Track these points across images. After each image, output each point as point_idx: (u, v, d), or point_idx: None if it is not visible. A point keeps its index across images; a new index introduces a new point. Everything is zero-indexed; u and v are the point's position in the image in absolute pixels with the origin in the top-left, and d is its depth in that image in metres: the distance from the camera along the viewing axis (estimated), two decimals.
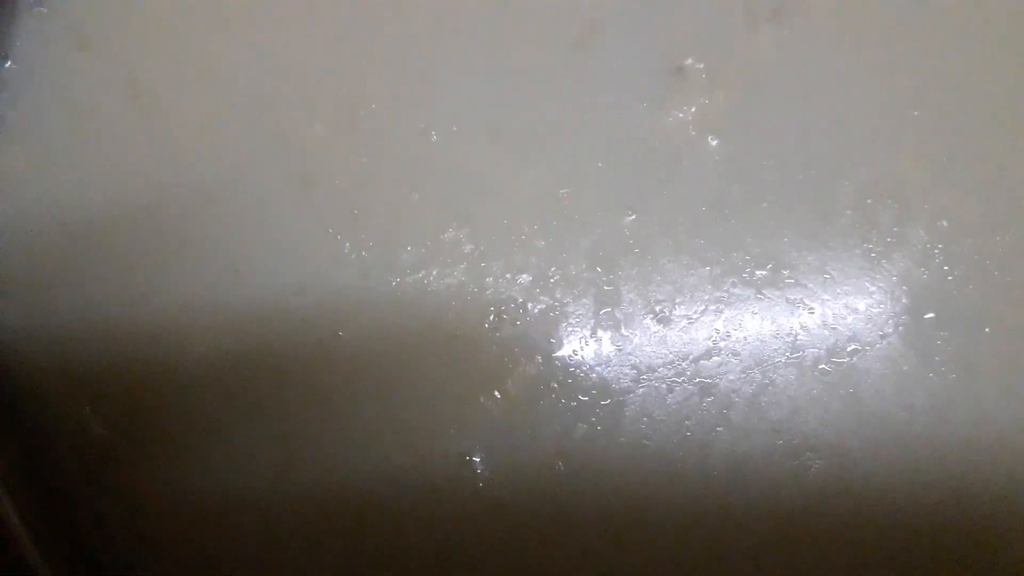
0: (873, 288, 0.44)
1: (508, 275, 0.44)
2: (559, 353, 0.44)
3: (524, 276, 0.44)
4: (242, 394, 0.44)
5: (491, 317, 0.44)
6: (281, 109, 0.45)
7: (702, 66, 0.45)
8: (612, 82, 0.45)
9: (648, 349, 0.44)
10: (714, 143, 0.45)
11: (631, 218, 0.44)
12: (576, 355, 0.44)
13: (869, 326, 0.44)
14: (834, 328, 0.44)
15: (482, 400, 0.43)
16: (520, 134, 0.45)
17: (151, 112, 0.45)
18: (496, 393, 0.43)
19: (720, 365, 0.44)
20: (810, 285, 0.44)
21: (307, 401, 0.44)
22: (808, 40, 0.45)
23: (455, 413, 0.43)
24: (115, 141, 0.45)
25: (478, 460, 0.43)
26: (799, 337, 0.44)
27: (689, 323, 0.44)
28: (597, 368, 0.44)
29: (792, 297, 0.44)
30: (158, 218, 0.45)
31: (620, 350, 0.44)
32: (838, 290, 0.44)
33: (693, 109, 0.45)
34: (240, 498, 0.43)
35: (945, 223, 0.44)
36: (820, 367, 0.43)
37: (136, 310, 0.44)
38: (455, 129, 0.44)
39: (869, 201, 0.44)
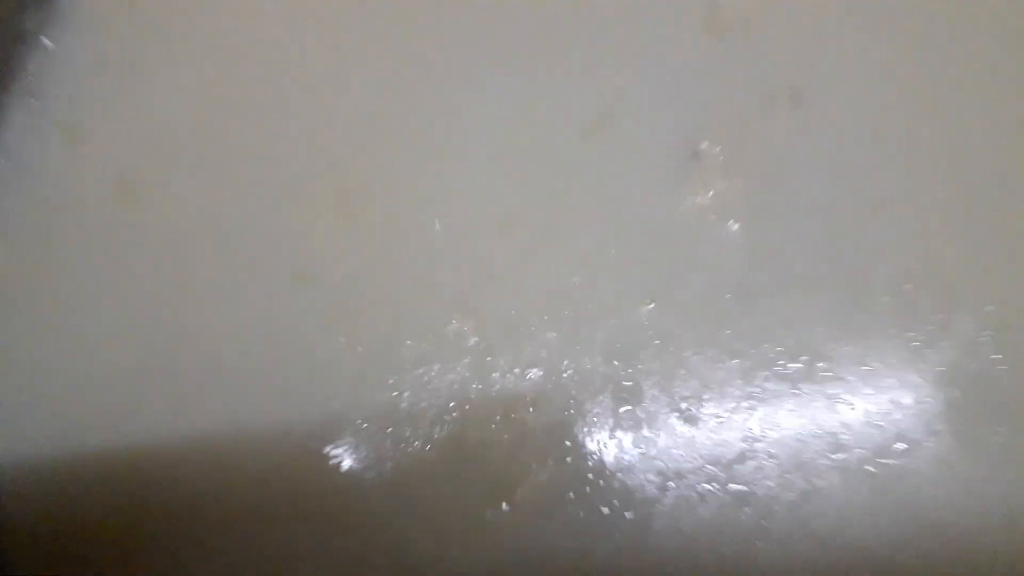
0: (918, 380, 0.40)
1: (516, 370, 0.40)
2: (575, 458, 0.40)
3: (534, 371, 0.40)
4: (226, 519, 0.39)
5: (497, 417, 0.40)
6: (277, 201, 0.42)
7: (719, 149, 0.43)
8: (625, 168, 0.43)
9: (675, 452, 0.40)
10: (735, 228, 0.42)
11: (650, 307, 0.41)
12: (594, 460, 0.40)
13: (917, 422, 0.39)
14: (879, 425, 0.39)
15: (488, 514, 0.38)
16: (529, 222, 0.42)
17: (143, 208, 0.43)
18: (504, 505, 0.39)
19: (756, 469, 0.39)
20: (849, 378, 0.40)
21: (293, 524, 0.39)
22: (827, 120, 0.43)
23: (458, 531, 0.38)
24: (105, 238, 0.42)
25: None
26: (841, 436, 0.40)
27: (719, 422, 0.40)
28: (619, 475, 0.39)
29: (831, 392, 0.40)
30: (146, 319, 0.42)
31: (644, 454, 0.40)
32: (880, 383, 0.40)
33: (711, 193, 0.43)
34: None
35: (991, 307, 0.40)
36: (866, 468, 0.39)
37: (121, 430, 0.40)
38: (460, 218, 0.42)
39: (907, 286, 0.41)
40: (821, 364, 0.40)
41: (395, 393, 0.40)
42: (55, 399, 0.40)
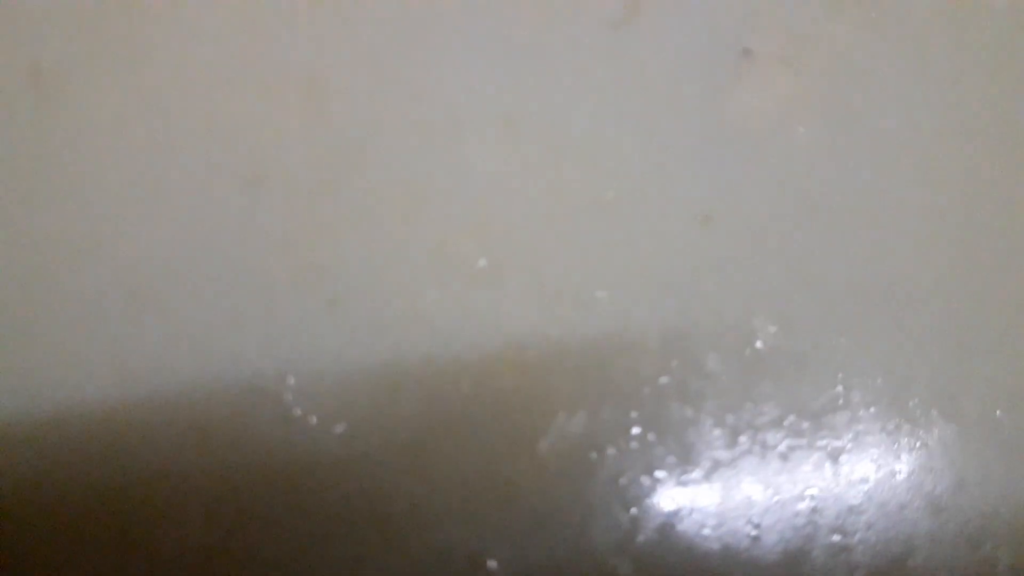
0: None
1: (538, 301, 0.31)
2: (612, 406, 0.30)
3: (560, 303, 0.31)
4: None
5: (515, 358, 0.31)
6: (230, 90, 0.33)
7: (773, 46, 0.35)
8: (663, 64, 0.35)
9: (737, 397, 0.31)
10: (801, 132, 0.34)
11: (702, 226, 0.32)
12: (637, 409, 0.30)
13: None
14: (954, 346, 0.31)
15: (507, 470, 0.29)
16: (541, 123, 0.33)
17: (60, 102, 0.34)
18: (527, 460, 0.29)
19: (848, 419, 0.30)
20: (935, 297, 0.31)
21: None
22: (895, 16, 0.35)
23: (474, 488, 0.29)
24: (17, 140, 0.33)
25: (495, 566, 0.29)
26: (924, 359, 0.31)
27: (791, 360, 0.31)
28: (669, 428, 0.30)
29: (919, 313, 0.31)
30: (69, 235, 0.32)
31: (699, 398, 0.31)
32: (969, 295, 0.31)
33: (768, 95, 0.35)
34: None
35: None
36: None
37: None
38: (466, 118, 0.33)
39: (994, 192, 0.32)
40: (923, 299, 0.32)
41: (375, 329, 0.31)
42: None
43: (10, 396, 0.30)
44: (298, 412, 0.30)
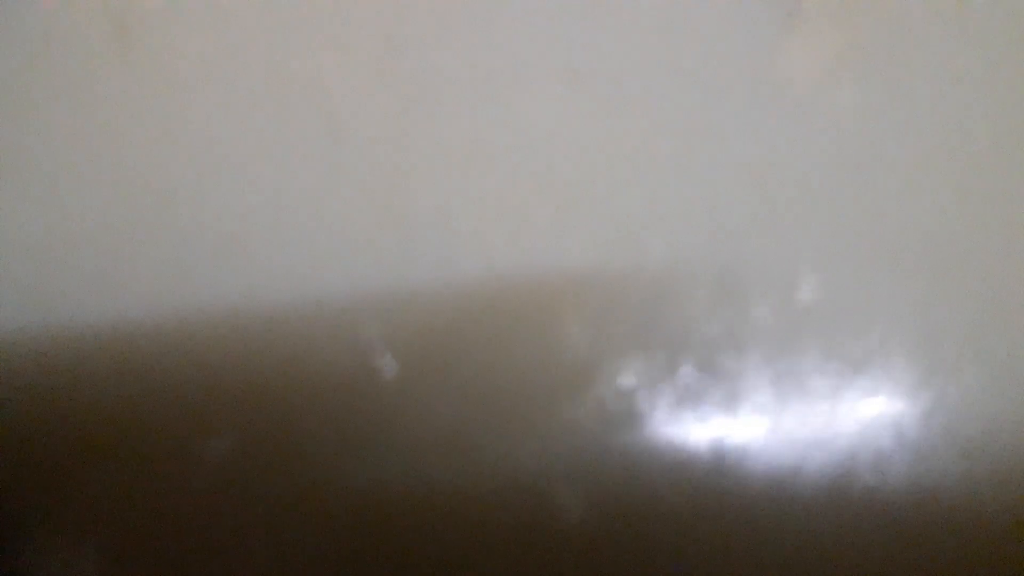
0: None
1: (594, 246, 0.33)
2: (664, 356, 0.32)
3: (616, 250, 0.33)
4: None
5: (571, 301, 0.33)
6: (305, 48, 0.35)
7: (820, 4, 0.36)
8: (704, 23, 0.36)
9: (785, 348, 0.33)
10: (846, 92, 0.35)
11: (748, 185, 0.34)
12: (690, 361, 0.32)
13: None
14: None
15: (556, 415, 0.31)
16: (592, 79, 0.35)
17: (143, 53, 0.35)
18: (575, 407, 0.32)
19: (883, 368, 0.32)
20: (979, 252, 0.33)
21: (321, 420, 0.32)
22: None
23: (518, 432, 0.31)
24: (98, 87, 0.35)
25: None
26: (977, 317, 0.32)
27: (838, 316, 0.33)
28: (718, 379, 0.32)
29: (963, 271, 0.33)
30: (145, 193, 0.34)
31: (750, 351, 0.33)
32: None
33: (815, 54, 0.36)
34: None
35: None
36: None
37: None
38: (511, 67, 0.34)
39: None
40: (958, 247, 0.33)
41: (448, 275, 0.33)
42: (33, 269, 0.33)
43: (105, 327, 0.33)
44: (371, 348, 0.33)
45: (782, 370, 0.32)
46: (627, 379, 0.32)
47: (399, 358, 0.32)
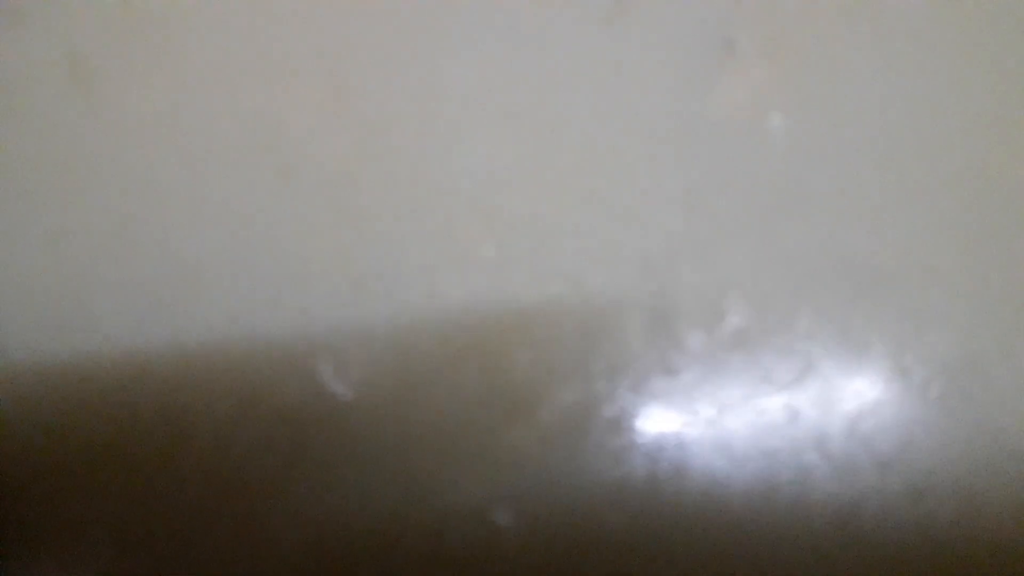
0: (992, 293, 0.35)
1: (536, 279, 0.35)
2: (603, 378, 0.34)
3: (555, 282, 0.35)
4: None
5: (515, 332, 0.35)
6: (259, 87, 0.36)
7: (754, 39, 0.38)
8: (650, 59, 0.37)
9: (715, 368, 0.35)
10: (776, 122, 0.37)
11: (683, 212, 0.36)
12: (625, 380, 0.34)
13: (989, 336, 0.35)
14: (947, 337, 0.35)
15: (506, 438, 0.33)
16: (543, 116, 0.36)
17: (100, 94, 0.37)
18: (524, 428, 0.33)
19: (808, 385, 0.34)
20: (911, 289, 0.35)
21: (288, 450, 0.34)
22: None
23: (472, 455, 0.33)
24: (56, 129, 0.36)
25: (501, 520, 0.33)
26: (907, 347, 0.35)
27: (765, 336, 0.35)
28: (653, 396, 0.34)
29: (892, 300, 0.35)
30: (106, 221, 0.36)
31: (679, 370, 0.35)
32: (948, 291, 0.35)
33: (748, 86, 0.38)
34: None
35: None
36: (933, 385, 0.34)
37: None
38: (466, 110, 0.36)
39: (973, 182, 0.36)
40: (880, 271, 0.35)
41: (396, 308, 0.35)
42: None
43: (70, 359, 0.34)
44: (324, 379, 0.34)
45: (712, 391, 0.34)
46: (567, 403, 0.34)
47: (350, 386, 0.34)
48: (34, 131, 0.37)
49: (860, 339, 0.35)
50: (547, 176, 0.36)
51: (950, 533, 0.33)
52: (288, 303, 0.34)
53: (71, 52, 0.37)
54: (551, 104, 0.37)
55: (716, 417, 0.34)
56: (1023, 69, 0.37)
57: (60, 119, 0.36)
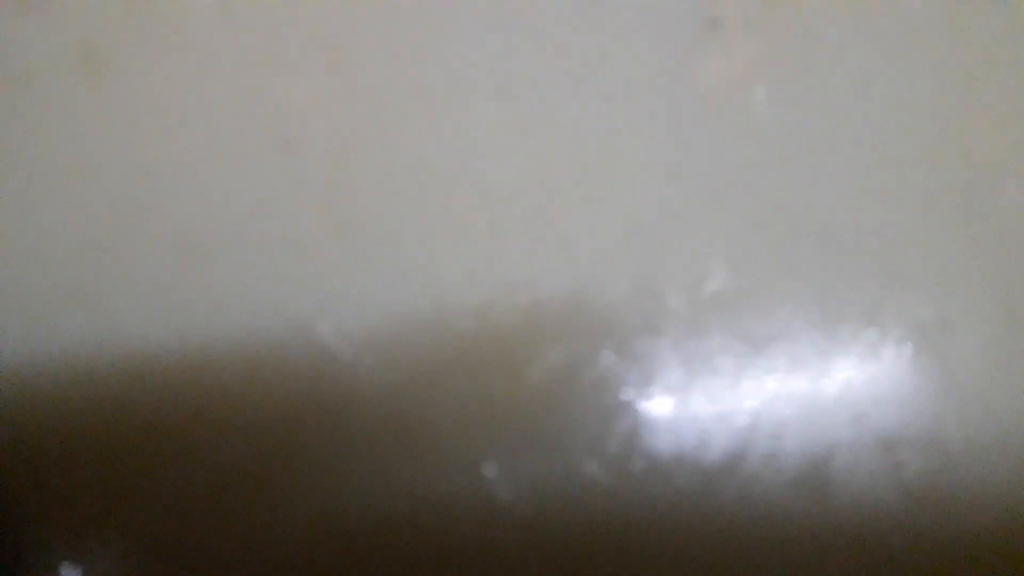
0: (965, 266, 0.37)
1: (527, 250, 0.37)
2: (588, 341, 0.36)
3: (546, 251, 0.37)
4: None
5: (506, 301, 0.37)
6: (260, 69, 0.38)
7: (739, 14, 0.40)
8: (634, 34, 0.39)
9: (699, 334, 0.37)
10: (761, 95, 0.38)
11: (671, 184, 0.38)
12: (611, 343, 0.36)
13: (963, 301, 0.36)
14: (921, 306, 0.36)
15: (497, 395, 0.35)
16: (530, 90, 0.38)
17: (111, 80, 0.39)
18: (514, 385, 0.35)
19: (787, 351, 0.36)
20: (891, 255, 0.37)
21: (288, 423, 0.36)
22: None
23: (466, 412, 0.35)
24: (67, 114, 0.38)
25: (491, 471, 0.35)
26: (883, 312, 0.36)
27: (749, 304, 0.37)
28: (638, 359, 0.36)
29: (869, 270, 0.37)
30: (115, 212, 0.38)
31: (665, 336, 0.37)
32: (924, 260, 0.37)
33: (734, 61, 0.39)
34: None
35: None
36: (905, 345, 0.36)
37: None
38: (455, 84, 0.38)
39: (949, 157, 0.37)
40: (858, 237, 0.37)
41: (394, 277, 0.37)
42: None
43: (86, 339, 0.37)
44: (327, 347, 0.36)
45: (692, 351, 0.36)
46: (554, 365, 0.36)
47: (350, 350, 0.36)
48: (44, 120, 0.39)
49: (837, 301, 0.37)
50: (536, 150, 0.38)
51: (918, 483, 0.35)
52: (288, 279, 0.36)
53: (83, 40, 0.39)
54: (539, 81, 0.38)
55: (696, 375, 0.36)
56: (998, 46, 0.38)
57: (70, 108, 0.38)
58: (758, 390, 0.36)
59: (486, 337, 0.36)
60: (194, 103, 0.38)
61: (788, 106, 0.39)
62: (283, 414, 0.36)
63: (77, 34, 0.39)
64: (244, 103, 0.38)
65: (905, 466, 0.35)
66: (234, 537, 0.36)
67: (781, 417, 0.36)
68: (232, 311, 0.36)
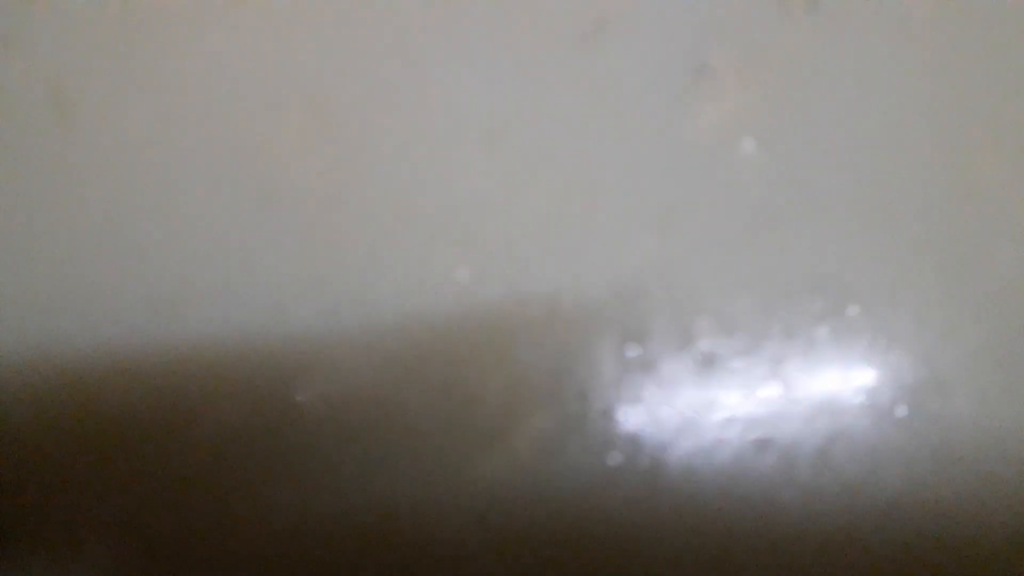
0: (956, 315, 0.36)
1: (510, 304, 0.36)
2: (576, 402, 0.35)
3: (530, 305, 0.36)
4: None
5: (489, 356, 0.35)
6: (239, 114, 0.37)
7: (728, 61, 0.39)
8: (625, 82, 0.38)
9: (687, 394, 0.35)
10: (750, 146, 0.37)
11: (657, 236, 0.36)
12: (598, 404, 0.35)
13: (954, 359, 0.35)
14: (912, 363, 0.35)
15: (480, 462, 0.34)
16: (519, 140, 0.37)
17: (83, 123, 0.37)
18: (497, 452, 0.34)
19: (777, 413, 0.35)
20: (879, 312, 0.36)
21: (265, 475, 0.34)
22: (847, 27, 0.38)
23: (446, 480, 0.34)
24: (39, 157, 0.37)
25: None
26: (871, 375, 0.35)
27: (735, 363, 0.35)
28: (626, 420, 0.35)
29: (858, 327, 0.36)
30: (87, 245, 0.36)
31: (652, 396, 0.35)
32: (913, 316, 0.36)
33: (722, 109, 0.38)
34: None
35: None
36: (899, 410, 0.35)
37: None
38: (443, 133, 0.37)
39: (940, 210, 0.36)
40: (847, 297, 0.36)
41: (374, 329, 0.35)
42: None
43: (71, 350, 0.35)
44: (304, 399, 0.35)
45: (681, 411, 0.35)
46: (539, 431, 0.35)
47: (324, 405, 0.35)
48: (14, 157, 0.37)
49: (827, 355, 0.36)
50: (522, 198, 0.37)
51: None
52: (267, 317, 0.35)
53: (53, 79, 0.38)
54: (528, 126, 0.37)
55: (684, 436, 0.35)
56: (994, 96, 0.37)
57: (40, 146, 0.37)
58: (748, 458, 0.35)
59: (462, 399, 0.35)
60: (166, 147, 0.36)
61: (777, 156, 0.38)
62: (245, 451, 0.34)
63: (47, 72, 0.38)
64: (223, 149, 0.37)
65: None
66: (231, 534, 0.34)
67: (776, 490, 0.35)
68: (202, 376, 0.35)
